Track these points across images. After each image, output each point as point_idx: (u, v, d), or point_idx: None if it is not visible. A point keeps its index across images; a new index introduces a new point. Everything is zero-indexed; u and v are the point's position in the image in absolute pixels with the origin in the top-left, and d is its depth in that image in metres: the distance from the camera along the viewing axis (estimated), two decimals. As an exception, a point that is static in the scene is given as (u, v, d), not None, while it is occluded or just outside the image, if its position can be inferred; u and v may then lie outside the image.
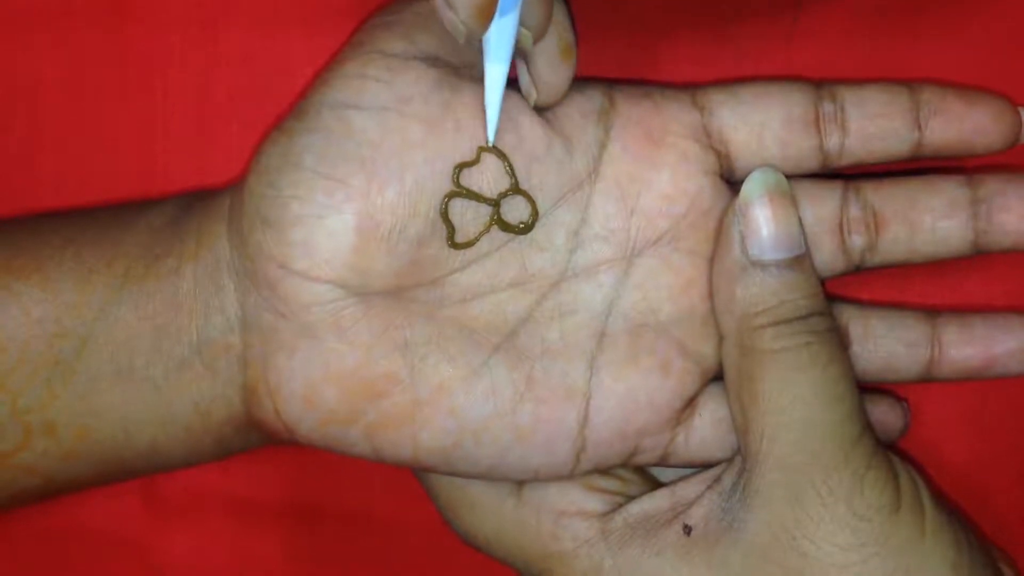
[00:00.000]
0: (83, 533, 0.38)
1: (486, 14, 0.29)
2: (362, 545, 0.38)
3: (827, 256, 0.34)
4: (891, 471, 0.32)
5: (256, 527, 0.38)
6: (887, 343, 0.34)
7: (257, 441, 0.34)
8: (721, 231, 0.33)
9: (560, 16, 0.31)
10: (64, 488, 0.34)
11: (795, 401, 0.31)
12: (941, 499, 0.32)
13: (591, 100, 0.33)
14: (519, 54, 0.31)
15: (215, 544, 0.38)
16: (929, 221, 0.33)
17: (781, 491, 0.31)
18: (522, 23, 0.30)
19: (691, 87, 0.34)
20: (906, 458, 0.33)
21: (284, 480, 0.38)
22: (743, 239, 0.32)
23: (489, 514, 0.34)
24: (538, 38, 0.31)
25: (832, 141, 0.33)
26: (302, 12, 0.36)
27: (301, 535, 0.38)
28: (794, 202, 0.32)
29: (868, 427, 0.32)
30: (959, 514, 0.33)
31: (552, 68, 0.31)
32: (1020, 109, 0.33)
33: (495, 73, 0.31)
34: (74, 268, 0.33)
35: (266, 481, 0.38)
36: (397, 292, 0.32)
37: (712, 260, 0.33)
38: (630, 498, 0.34)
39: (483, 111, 0.32)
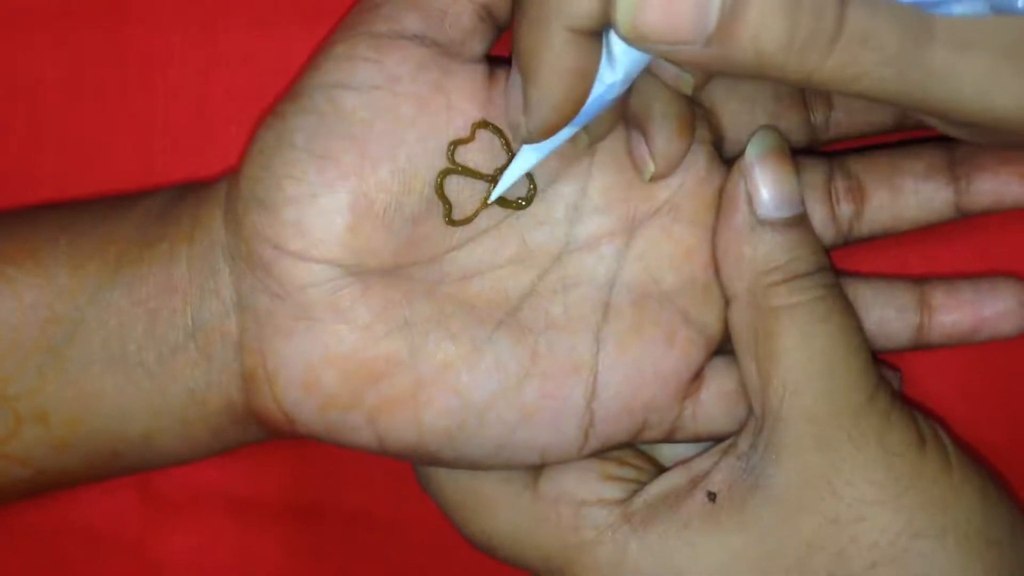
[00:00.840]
0: (81, 531, 0.37)
1: (551, 134, 0.29)
2: (362, 544, 0.37)
3: (818, 225, 0.34)
4: (910, 412, 0.32)
5: (255, 525, 0.37)
6: (877, 309, 0.34)
7: (254, 435, 0.33)
8: (724, 195, 0.33)
9: (679, 97, 0.31)
10: (56, 481, 0.33)
11: (816, 352, 0.31)
12: (956, 439, 0.32)
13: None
14: (636, 126, 0.32)
15: (214, 542, 0.37)
16: (910, 184, 0.34)
17: (810, 440, 0.31)
18: (585, 129, 0.31)
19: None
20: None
21: (283, 478, 0.37)
22: (750, 199, 0.32)
23: (505, 512, 0.33)
24: (593, 143, 0.31)
25: (819, 114, 0.34)
26: (301, 11, 0.36)
27: (300, 533, 0.37)
28: (793, 161, 0.32)
29: (882, 375, 0.32)
30: (974, 453, 0.33)
31: (669, 144, 0.31)
32: None
33: (528, 158, 0.31)
34: (68, 253, 0.32)
35: (265, 479, 0.37)
36: (395, 271, 0.31)
37: (715, 226, 0.33)
38: (646, 484, 0.33)
39: (475, 93, 0.31)
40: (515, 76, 0.29)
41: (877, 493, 0.31)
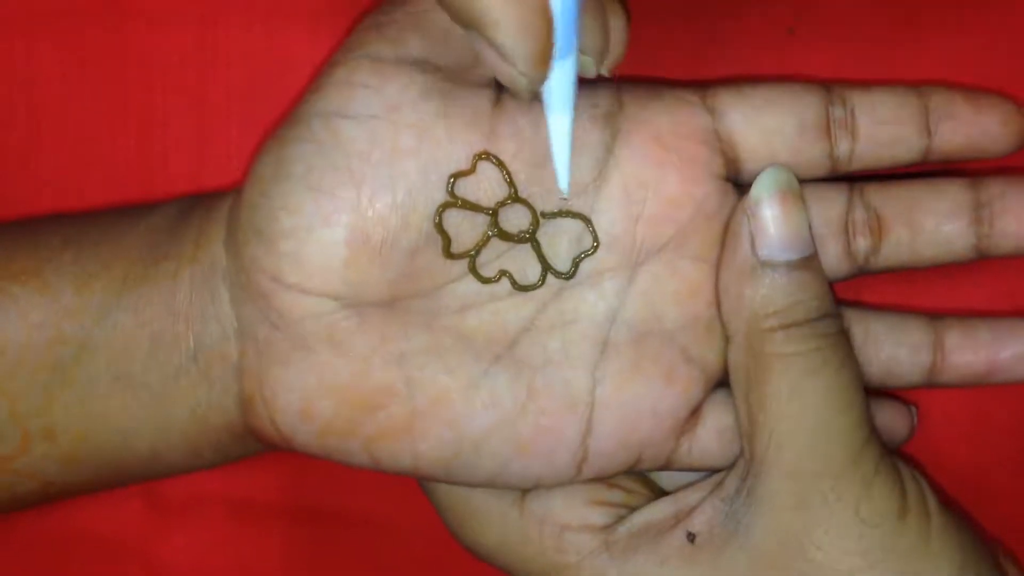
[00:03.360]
0: (84, 535, 0.38)
1: (544, 61, 0.27)
2: (362, 548, 0.38)
3: (832, 259, 0.33)
4: (897, 476, 0.32)
5: (256, 530, 0.38)
6: (888, 347, 0.34)
7: (255, 449, 0.34)
8: (729, 232, 0.32)
9: None
10: (63, 493, 0.34)
11: (805, 407, 0.31)
12: (945, 501, 0.32)
13: (598, 102, 0.32)
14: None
15: (215, 547, 0.38)
16: (931, 224, 0.33)
17: (789, 497, 0.31)
18: (583, 52, 0.29)
19: (700, 87, 0.33)
20: (908, 461, 0.33)
21: (284, 483, 0.38)
22: (753, 239, 0.31)
23: (493, 525, 0.34)
24: (601, 61, 0.30)
25: (842, 147, 0.33)
26: (302, 10, 0.35)
27: (301, 538, 0.38)
28: (804, 202, 0.32)
29: (874, 431, 0.32)
30: (963, 514, 0.33)
31: (604, 28, 0.29)
32: None
33: (560, 124, 0.29)
34: (73, 272, 0.33)
35: (266, 484, 0.38)
36: (392, 303, 0.31)
37: (719, 262, 0.32)
38: (633, 509, 0.34)
39: (478, 122, 0.31)
40: (475, 39, 0.27)
41: (847, 562, 0.31)
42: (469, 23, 0.27)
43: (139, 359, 0.32)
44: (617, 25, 0.30)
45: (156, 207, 0.34)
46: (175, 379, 0.32)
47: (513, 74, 0.27)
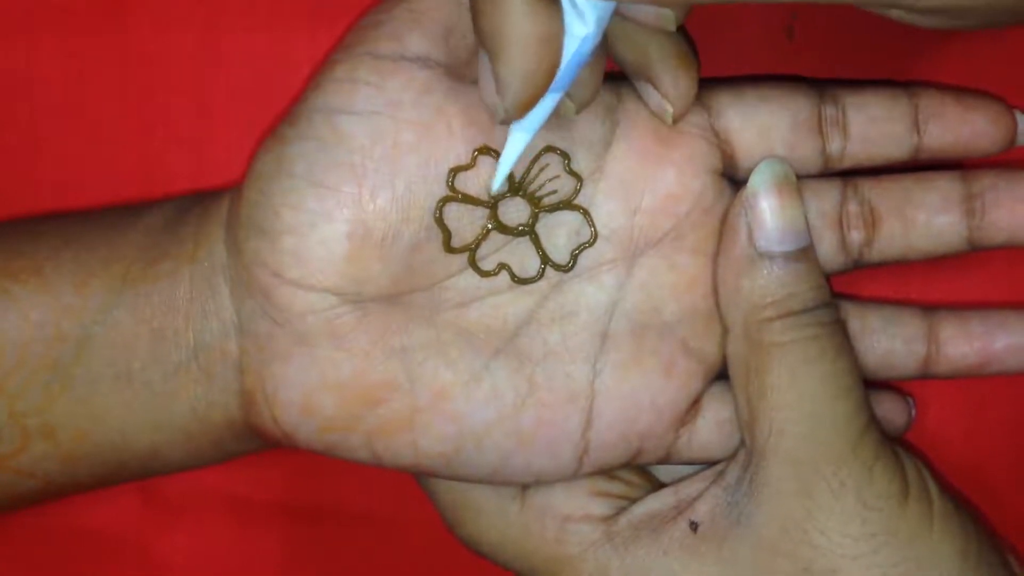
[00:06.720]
0: (83, 533, 0.38)
1: (528, 107, 0.29)
2: (362, 545, 0.38)
3: (827, 251, 0.33)
4: (898, 462, 0.32)
5: (256, 527, 0.38)
6: (884, 339, 0.34)
7: (256, 446, 0.34)
8: (726, 223, 0.32)
9: (668, 35, 0.30)
10: (63, 491, 0.34)
11: (804, 394, 0.31)
12: (947, 488, 0.32)
13: (598, 97, 0.32)
14: (639, 77, 0.31)
15: (215, 544, 0.38)
16: (923, 217, 0.34)
17: (790, 484, 0.31)
18: (569, 95, 0.30)
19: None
20: (909, 449, 0.34)
21: (284, 480, 0.38)
22: (750, 230, 0.32)
23: (493, 520, 0.34)
24: (580, 109, 0.31)
25: (834, 145, 0.33)
26: (303, 11, 0.36)
27: (301, 535, 0.38)
28: (800, 193, 0.32)
29: (873, 418, 0.32)
30: (965, 503, 0.33)
31: (676, 82, 0.31)
32: (1016, 112, 0.34)
33: (518, 140, 0.30)
34: (73, 270, 0.33)
35: (266, 481, 0.38)
36: (394, 298, 0.31)
37: (716, 253, 0.32)
38: (634, 500, 0.34)
39: (477, 117, 0.31)
40: (482, 57, 0.28)
41: (851, 547, 0.31)
42: (485, 45, 0.28)
43: (139, 356, 0.32)
44: (688, 82, 0.31)
45: (154, 206, 0.34)
46: (175, 376, 0.32)
47: (496, 102, 0.29)
